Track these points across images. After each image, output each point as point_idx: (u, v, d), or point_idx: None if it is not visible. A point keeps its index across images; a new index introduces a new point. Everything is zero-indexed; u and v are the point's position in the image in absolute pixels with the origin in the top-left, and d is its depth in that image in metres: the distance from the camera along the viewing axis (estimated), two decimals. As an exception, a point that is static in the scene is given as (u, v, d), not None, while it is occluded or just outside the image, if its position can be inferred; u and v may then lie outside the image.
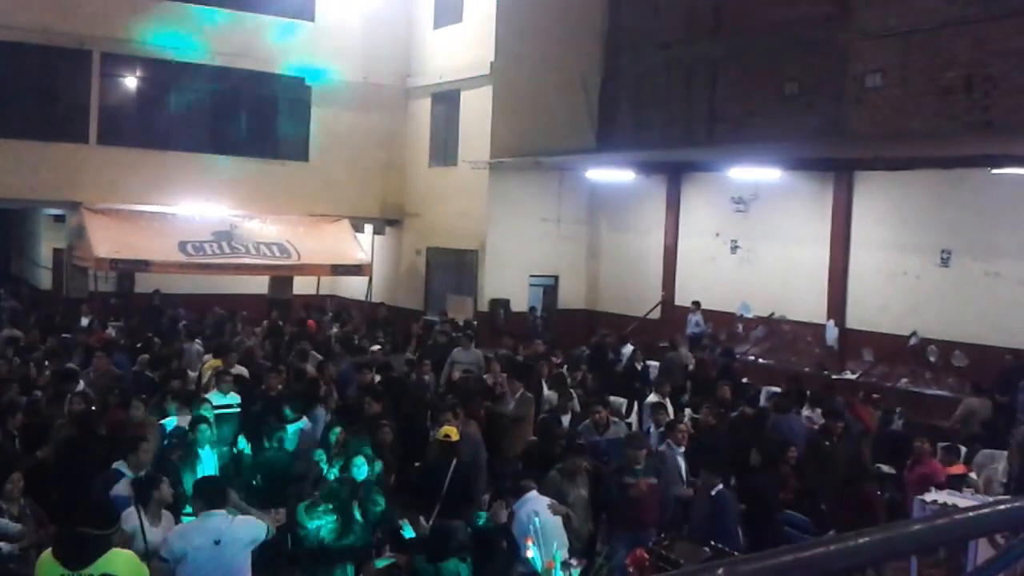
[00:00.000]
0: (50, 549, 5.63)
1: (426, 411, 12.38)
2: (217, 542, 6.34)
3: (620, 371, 16.59)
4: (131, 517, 6.85)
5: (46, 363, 12.62)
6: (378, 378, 13.03)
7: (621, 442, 10.50)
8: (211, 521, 6.49)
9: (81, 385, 11.05)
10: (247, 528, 6.62)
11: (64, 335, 15.27)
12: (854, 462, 10.86)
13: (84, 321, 17.21)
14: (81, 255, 20.38)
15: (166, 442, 9.30)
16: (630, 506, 9.20)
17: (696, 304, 19.67)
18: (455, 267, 22.89)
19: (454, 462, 9.21)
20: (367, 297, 23.57)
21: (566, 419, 11.60)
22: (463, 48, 22.33)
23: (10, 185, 20.21)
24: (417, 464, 10.20)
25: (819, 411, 12.68)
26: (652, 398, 12.82)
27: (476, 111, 22.00)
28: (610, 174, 21.58)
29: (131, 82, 22.15)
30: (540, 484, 8.45)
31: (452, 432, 9.46)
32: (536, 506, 7.92)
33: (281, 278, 22.84)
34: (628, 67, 22.74)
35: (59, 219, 22.96)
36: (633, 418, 14.42)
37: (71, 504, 8.10)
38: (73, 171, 20.70)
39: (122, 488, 7.62)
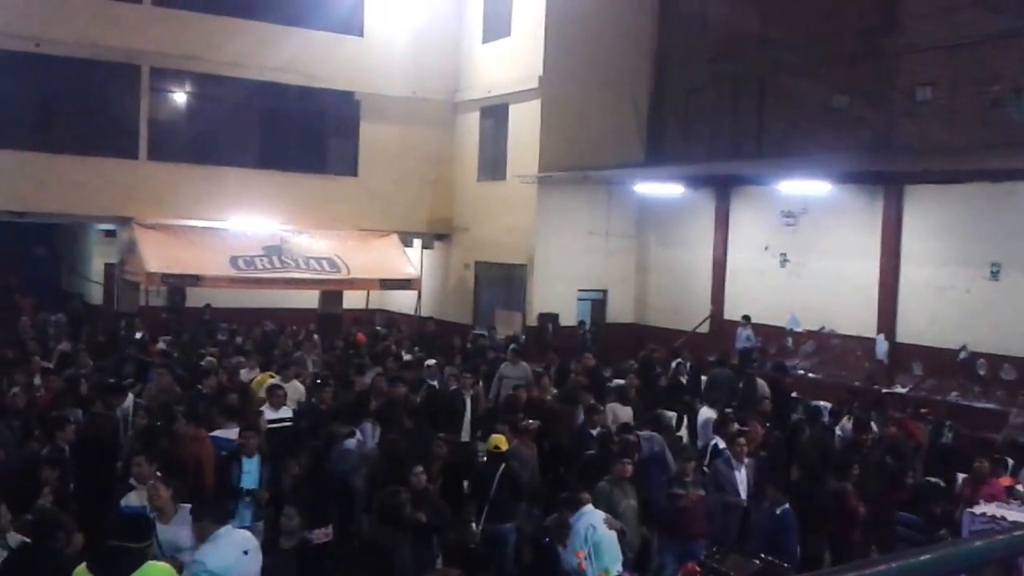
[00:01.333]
0: (84, 563, 5.66)
1: (463, 424, 12.41)
2: (245, 552, 6.58)
3: (665, 385, 16.41)
4: (168, 530, 7.04)
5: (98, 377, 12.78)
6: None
7: (656, 457, 10.44)
8: (237, 533, 6.74)
9: (128, 400, 11.20)
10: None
11: (117, 349, 15.46)
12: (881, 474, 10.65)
13: (136, 335, 17.43)
14: (132, 270, 20.66)
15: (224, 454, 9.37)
16: (679, 518, 9.18)
17: (746, 319, 19.45)
18: (503, 281, 22.88)
19: (501, 466, 9.18)
20: (416, 311, 23.65)
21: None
22: (512, 62, 22.38)
23: (62, 200, 20.59)
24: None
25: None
26: (706, 413, 12.65)
27: (524, 125, 22.01)
28: (659, 188, 21.46)
29: (180, 97, 22.48)
30: (571, 502, 8.36)
31: (501, 442, 9.50)
32: (592, 520, 7.84)
33: (331, 292, 23.00)
34: (676, 81, 22.62)
35: (110, 234, 23.32)
36: (683, 432, 14.26)
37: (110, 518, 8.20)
38: (124, 186, 21.01)
39: (134, 498, 7.79)
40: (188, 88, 22.28)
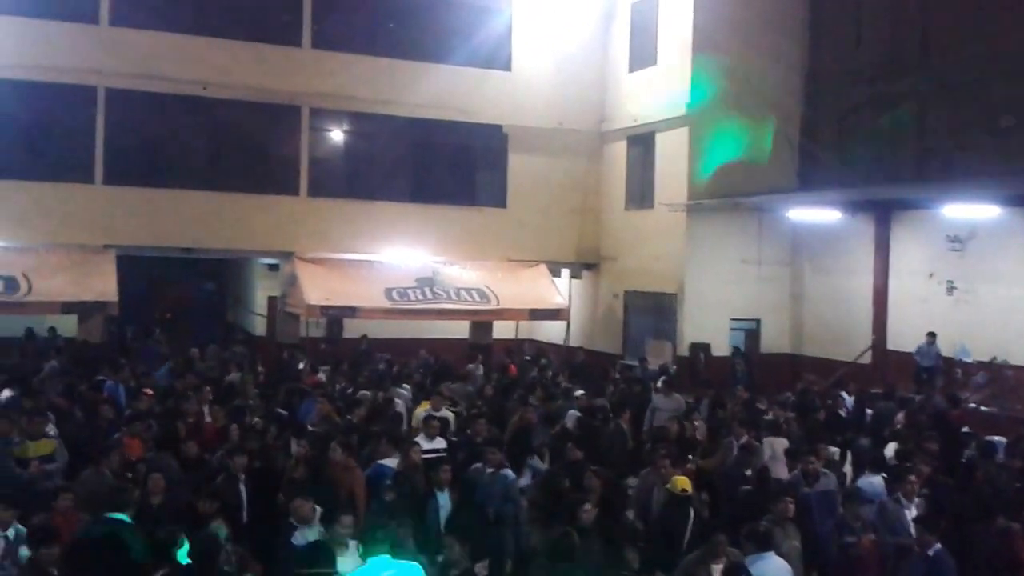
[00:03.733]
0: None
1: (624, 458, 12.19)
2: None
3: (823, 419, 15.76)
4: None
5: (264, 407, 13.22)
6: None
7: (831, 495, 9.94)
8: (384, 565, 6.65)
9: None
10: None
11: (281, 380, 16.00)
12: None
13: (299, 366, 18.03)
14: (293, 302, 21.46)
15: (389, 483, 9.51)
16: (851, 566, 8.66)
17: (932, 336, 18.50)
18: (653, 311, 22.60)
19: (692, 516, 8.89)
20: (565, 341, 23.63)
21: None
22: (658, 90, 22.22)
23: (229, 237, 21.63)
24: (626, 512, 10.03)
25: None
26: (892, 449, 12.08)
27: (672, 153, 21.78)
28: (813, 213, 20.81)
29: (337, 135, 23.32)
30: (753, 535, 8.00)
31: (686, 484, 9.14)
32: (769, 571, 7.46)
33: (481, 323, 23.25)
34: (830, 103, 21.95)
35: (273, 268, 24.31)
36: (848, 468, 13.63)
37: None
38: (286, 222, 21.89)
39: (300, 537, 7.96)
40: (345, 126, 23.12)
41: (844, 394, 16.53)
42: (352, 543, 7.55)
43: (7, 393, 13.35)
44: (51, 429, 10.93)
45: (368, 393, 14.62)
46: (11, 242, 19.66)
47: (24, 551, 7.57)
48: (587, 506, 8.46)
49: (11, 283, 18.67)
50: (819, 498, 10.05)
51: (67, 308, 19.04)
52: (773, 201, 21.06)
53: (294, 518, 8.23)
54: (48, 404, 12.39)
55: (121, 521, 8.02)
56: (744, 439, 11.85)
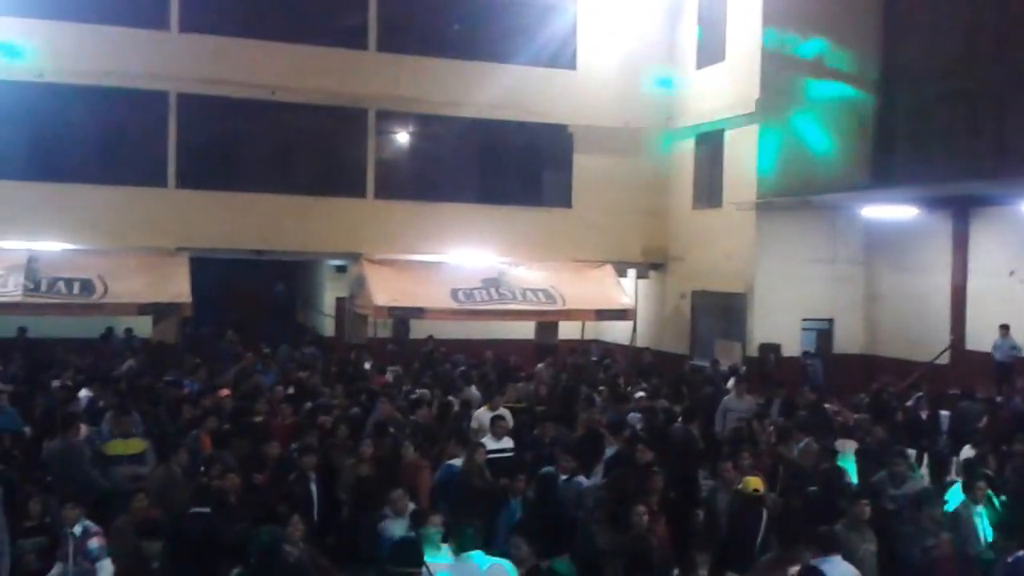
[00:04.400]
0: None
1: (694, 460, 11.97)
2: None
3: (901, 420, 15.31)
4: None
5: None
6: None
7: (916, 498, 9.63)
8: (470, 564, 6.75)
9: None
10: (501, 570, 6.77)
11: (350, 380, 16.10)
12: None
13: (366, 366, 18.15)
14: (361, 303, 21.63)
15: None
16: (930, 569, 8.42)
17: (1005, 328, 17.90)
18: (722, 311, 22.25)
19: (765, 517, 8.70)
20: (632, 342, 23.41)
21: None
22: (727, 87, 21.87)
23: (297, 238, 21.88)
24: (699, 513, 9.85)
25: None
26: (967, 452, 11.69)
27: (741, 150, 21.42)
28: (888, 211, 20.26)
29: (403, 137, 23.47)
30: (818, 538, 7.78)
31: (758, 484, 9.00)
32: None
33: (547, 323, 23.16)
34: (905, 98, 21.36)
35: (341, 269, 24.57)
36: (924, 470, 13.22)
37: (365, 543, 8.49)
38: (353, 224, 22.08)
39: (390, 526, 8.12)
40: (410, 128, 23.25)
41: (920, 394, 16.07)
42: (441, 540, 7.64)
43: (85, 393, 13.66)
44: (138, 428, 11.15)
45: (427, 392, 14.68)
46: (87, 245, 20.17)
47: (93, 544, 7.76)
48: (641, 509, 8.29)
49: (88, 285, 19.12)
50: (905, 500, 9.81)
51: (143, 309, 19.46)
52: (846, 199, 20.57)
53: (390, 509, 8.36)
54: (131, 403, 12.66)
55: (208, 515, 8.17)
56: (804, 442, 11.56)
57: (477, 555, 6.75)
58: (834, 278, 21.43)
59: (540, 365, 18.77)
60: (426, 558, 6.61)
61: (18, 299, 18.31)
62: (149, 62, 20.34)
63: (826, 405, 15.52)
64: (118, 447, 10.47)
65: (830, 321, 21.75)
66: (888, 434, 13.69)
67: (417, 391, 14.78)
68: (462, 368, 17.86)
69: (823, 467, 10.99)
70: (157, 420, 12.11)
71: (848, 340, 21.74)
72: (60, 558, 7.78)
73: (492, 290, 21.49)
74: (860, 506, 8.57)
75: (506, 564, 6.84)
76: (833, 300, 21.56)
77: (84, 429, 11.04)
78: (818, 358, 20.48)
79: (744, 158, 21.28)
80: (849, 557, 7.80)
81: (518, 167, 24.06)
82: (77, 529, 7.80)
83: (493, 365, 18.75)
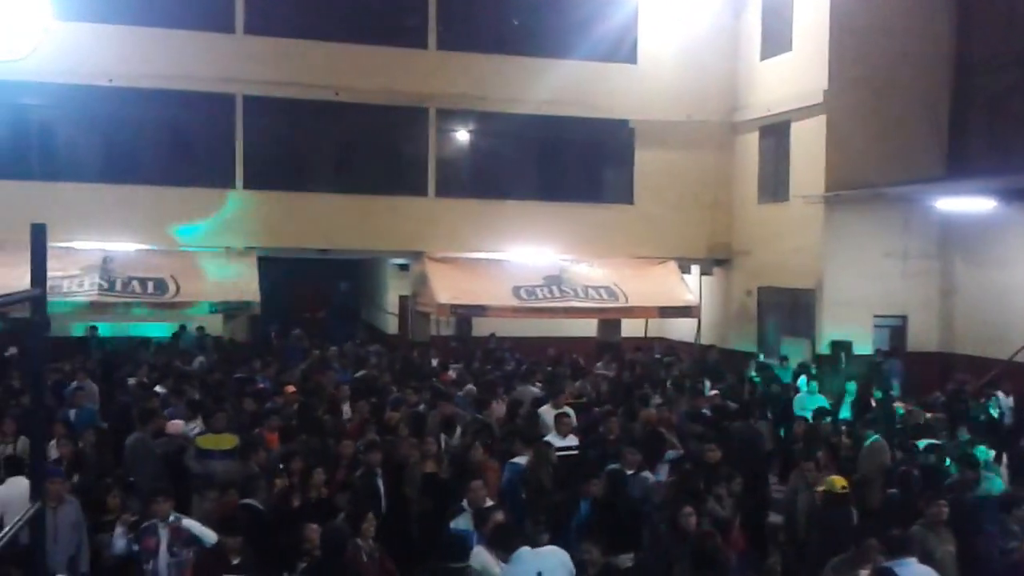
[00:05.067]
0: None
1: (762, 460, 11.77)
2: (539, 574, 6.81)
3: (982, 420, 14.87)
4: (481, 554, 7.25)
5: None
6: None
7: (992, 499, 9.35)
8: (533, 554, 6.96)
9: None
10: (560, 558, 7.00)
11: (415, 377, 16.15)
12: None
13: (433, 363, 18.21)
14: (423, 301, 21.71)
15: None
16: (1011, 572, 8.20)
17: None
18: (789, 307, 21.82)
19: (855, 516, 8.55)
20: (696, 339, 23.12)
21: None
22: (793, 77, 21.42)
23: (362, 237, 22.02)
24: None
25: None
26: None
27: (808, 142, 20.96)
28: (964, 203, 19.61)
29: (464, 135, 23.45)
30: (892, 540, 7.58)
31: (843, 482, 8.95)
32: None
33: (609, 321, 23.00)
34: (981, 86, 20.69)
35: (403, 268, 24.70)
36: (1003, 470, 12.81)
37: (429, 539, 8.51)
38: (415, 222, 22.14)
39: (462, 521, 8.21)
40: (471, 126, 23.24)
41: (1000, 394, 15.58)
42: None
43: (159, 389, 13.93)
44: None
45: (474, 388, 14.66)
46: (160, 246, 20.55)
47: (188, 524, 7.87)
48: (688, 510, 8.20)
49: (161, 284, 19.53)
50: (978, 502, 9.53)
51: (213, 308, 19.79)
52: (919, 191, 19.99)
53: (468, 502, 8.43)
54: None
55: (259, 508, 8.26)
56: (871, 440, 11.28)
57: (525, 551, 6.92)
58: (907, 273, 20.86)
59: (599, 363, 18.66)
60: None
61: (94, 298, 18.76)
62: (216, 65, 20.63)
63: (897, 404, 15.18)
64: (209, 442, 10.63)
65: (903, 318, 21.18)
66: (969, 433, 13.39)
67: (466, 388, 14.78)
68: (519, 366, 17.82)
69: (901, 469, 10.75)
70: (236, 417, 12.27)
71: (922, 337, 21.14)
72: (147, 557, 7.78)
73: (554, 287, 21.40)
74: (938, 507, 8.41)
75: (560, 553, 7.06)
76: (906, 296, 20.99)
77: (180, 424, 11.28)
78: (895, 359, 19.91)
79: (811, 150, 20.81)
80: (928, 558, 7.62)
81: (579, 163, 23.90)
82: (171, 520, 7.89)
83: (555, 362, 18.68)
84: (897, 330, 21.17)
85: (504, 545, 7.06)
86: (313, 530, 7.50)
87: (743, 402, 14.35)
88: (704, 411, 13.42)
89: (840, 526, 8.53)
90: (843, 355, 19.92)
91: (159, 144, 21.41)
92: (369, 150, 22.80)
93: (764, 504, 11.31)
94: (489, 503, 8.59)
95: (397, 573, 7.79)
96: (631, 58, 23.27)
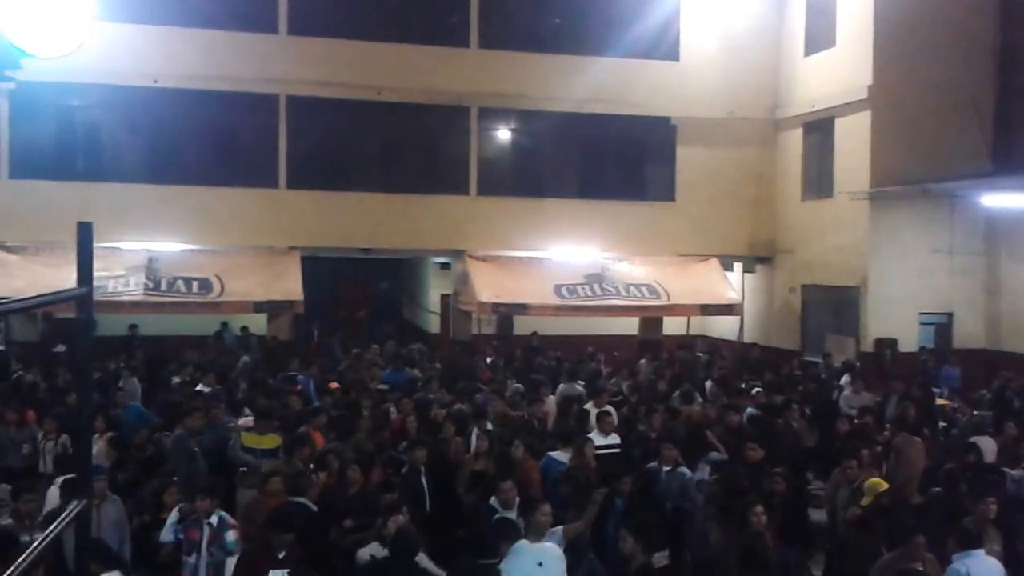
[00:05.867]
0: None
1: (803, 457, 11.67)
2: (540, 564, 6.91)
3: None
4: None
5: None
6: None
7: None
8: (533, 546, 7.09)
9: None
10: (557, 552, 7.17)
11: (460, 377, 16.21)
12: None
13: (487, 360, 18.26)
14: (465, 300, 21.79)
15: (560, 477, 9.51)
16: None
17: None
18: (833, 305, 21.60)
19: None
20: (739, 337, 22.96)
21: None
22: (837, 73, 21.19)
23: (403, 237, 22.14)
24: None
25: None
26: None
27: (852, 138, 20.72)
28: (1011, 199, 19.29)
29: (505, 134, 23.47)
30: (967, 534, 7.52)
31: (882, 483, 8.99)
32: (981, 571, 6.96)
33: (651, 319, 22.93)
34: (1027, 80, 20.34)
35: (445, 267, 24.79)
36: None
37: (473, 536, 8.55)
38: (457, 221, 22.22)
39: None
40: (512, 125, 23.26)
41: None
42: (555, 530, 7.76)
43: (201, 388, 14.14)
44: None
45: (520, 386, 14.68)
46: (204, 245, 20.84)
47: (230, 537, 7.94)
48: (759, 509, 8.12)
49: (206, 284, 19.79)
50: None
51: (258, 307, 19.99)
52: (965, 187, 19.68)
53: (498, 502, 8.46)
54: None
55: (307, 505, 8.35)
56: (900, 436, 11.15)
57: (523, 545, 7.07)
58: (953, 270, 20.55)
59: (642, 360, 18.61)
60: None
61: (139, 298, 19.06)
62: (259, 66, 20.86)
63: (940, 402, 14.98)
64: (252, 440, 10.77)
65: (949, 315, 20.88)
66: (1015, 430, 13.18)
67: (511, 387, 14.81)
68: (560, 364, 17.82)
69: (947, 467, 10.63)
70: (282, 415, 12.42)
71: (968, 334, 20.83)
72: (189, 549, 7.90)
73: (595, 285, 21.36)
74: (986, 505, 8.32)
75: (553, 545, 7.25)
76: (952, 293, 20.68)
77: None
78: (935, 353, 19.61)
79: (856, 146, 20.57)
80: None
81: (620, 161, 23.84)
82: (213, 520, 7.97)
83: (587, 360, 18.67)
84: (943, 327, 20.88)
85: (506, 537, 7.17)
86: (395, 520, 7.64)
87: (785, 400, 14.22)
88: (749, 409, 13.33)
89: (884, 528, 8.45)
90: (888, 353, 19.67)
91: (203, 145, 21.67)
92: (411, 149, 22.90)
93: (804, 501, 11.22)
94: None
95: None
96: (673, 55, 23.16)
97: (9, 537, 7.20)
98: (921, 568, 7.12)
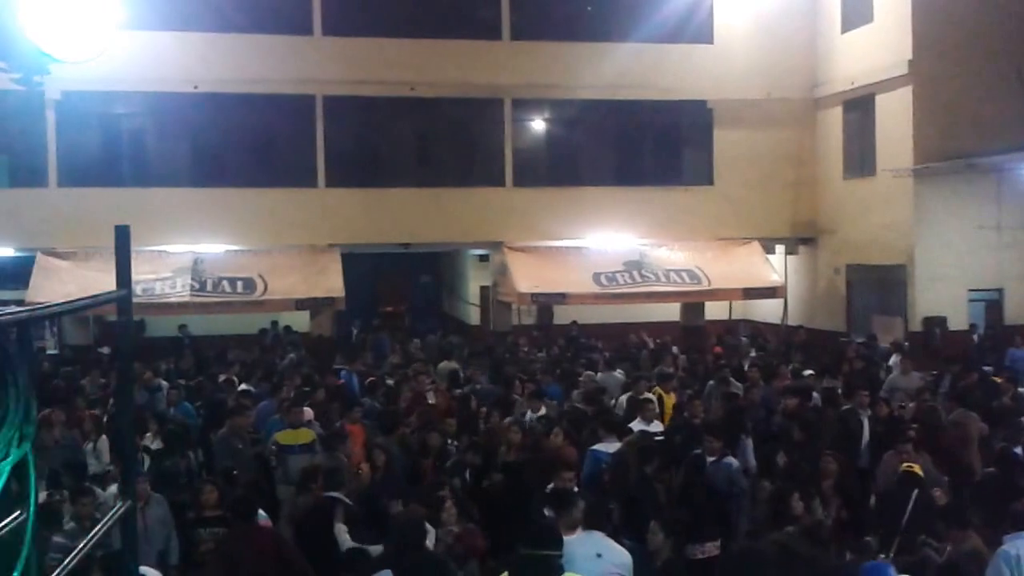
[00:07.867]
0: (506, 573, 5.81)
1: (853, 442, 11.50)
2: (599, 555, 6.78)
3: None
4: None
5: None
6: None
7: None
8: (594, 537, 6.95)
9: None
10: (621, 553, 7.00)
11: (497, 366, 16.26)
12: None
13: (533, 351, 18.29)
14: (504, 291, 21.82)
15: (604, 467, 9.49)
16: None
17: None
18: (879, 284, 21.27)
19: (915, 493, 8.36)
20: (783, 320, 22.71)
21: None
22: (876, 49, 20.81)
23: (442, 230, 22.19)
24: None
25: None
26: None
27: (894, 115, 20.36)
28: (1060, 170, 18.86)
29: (539, 124, 23.44)
30: (1019, 515, 7.35)
31: (916, 467, 8.79)
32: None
33: (692, 304, 22.77)
34: (1074, 47, 19.80)
35: (483, 258, 24.84)
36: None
37: (516, 526, 8.54)
38: (494, 213, 22.23)
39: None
40: (546, 115, 23.22)
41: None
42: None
43: (246, 387, 14.33)
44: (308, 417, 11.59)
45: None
46: (247, 246, 21.10)
47: None
48: (796, 495, 8.04)
49: (249, 283, 20.07)
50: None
51: (300, 305, 20.23)
52: (1011, 159, 19.22)
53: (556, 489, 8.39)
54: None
55: (342, 500, 8.43)
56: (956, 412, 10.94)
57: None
58: (1001, 245, 20.10)
59: (675, 347, 18.48)
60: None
61: (186, 299, 19.39)
62: (295, 67, 21.00)
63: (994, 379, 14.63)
64: (288, 437, 10.88)
65: (999, 291, 20.45)
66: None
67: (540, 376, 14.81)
68: (600, 352, 17.76)
69: (999, 446, 10.43)
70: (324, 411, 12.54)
71: (1019, 310, 20.39)
72: None
73: (635, 272, 21.26)
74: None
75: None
76: (1001, 268, 20.24)
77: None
78: (978, 329, 19.18)
79: (898, 123, 20.20)
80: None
81: (657, 147, 23.69)
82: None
83: (640, 348, 18.60)
84: (993, 304, 20.45)
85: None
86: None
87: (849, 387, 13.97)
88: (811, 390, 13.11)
89: (898, 503, 8.37)
90: (937, 331, 19.34)
91: (243, 147, 21.95)
92: (446, 143, 22.97)
93: (858, 483, 11.07)
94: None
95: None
96: (707, 38, 22.90)
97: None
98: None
